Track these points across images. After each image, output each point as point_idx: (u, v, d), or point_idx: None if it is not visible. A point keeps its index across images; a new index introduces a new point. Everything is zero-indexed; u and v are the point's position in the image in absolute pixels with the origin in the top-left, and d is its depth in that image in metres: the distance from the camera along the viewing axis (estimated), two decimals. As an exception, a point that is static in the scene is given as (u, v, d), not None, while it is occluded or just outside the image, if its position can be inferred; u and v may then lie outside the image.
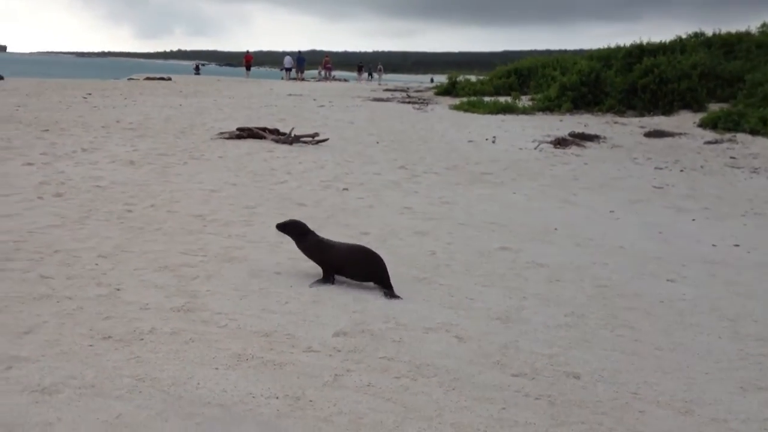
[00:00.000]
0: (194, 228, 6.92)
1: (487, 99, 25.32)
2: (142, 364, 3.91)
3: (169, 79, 44.92)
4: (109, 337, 4.25)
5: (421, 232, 7.40)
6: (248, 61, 52.73)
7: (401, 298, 5.43)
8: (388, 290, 5.51)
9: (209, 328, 4.52)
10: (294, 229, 5.83)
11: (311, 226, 6.69)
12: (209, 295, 5.11)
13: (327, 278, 5.68)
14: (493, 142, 15.19)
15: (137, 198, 7.99)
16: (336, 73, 66.37)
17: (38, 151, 10.16)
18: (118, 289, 5.09)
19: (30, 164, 9.44)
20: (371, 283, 5.64)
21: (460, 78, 34.11)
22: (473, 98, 25.89)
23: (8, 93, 25.41)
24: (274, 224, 6.02)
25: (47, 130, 12.73)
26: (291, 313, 4.89)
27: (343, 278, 5.71)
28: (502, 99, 25.16)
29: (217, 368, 3.94)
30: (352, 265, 5.65)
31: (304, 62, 53.27)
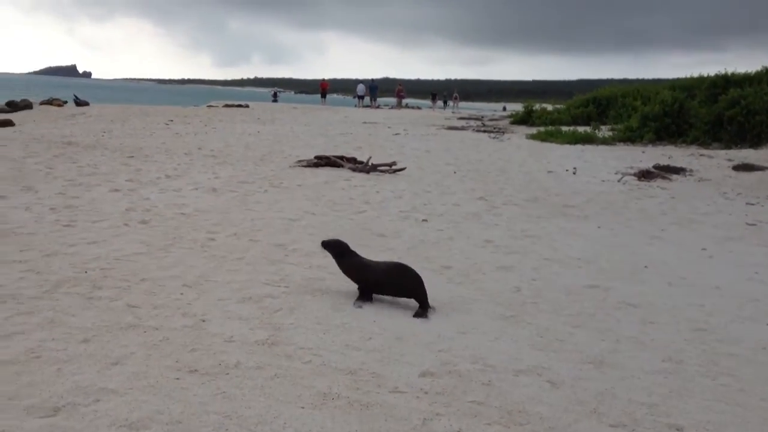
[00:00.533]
0: (276, 258, 6.90)
1: (564, 128, 24.91)
2: (229, 401, 3.84)
3: (247, 106, 46.02)
4: (195, 370, 4.20)
5: (504, 267, 7.20)
6: (324, 88, 53.56)
7: (432, 313, 5.66)
8: (423, 308, 5.67)
9: (293, 363, 4.43)
10: (335, 248, 5.99)
11: (392, 257, 6.69)
12: (292, 329, 5.04)
13: (364, 296, 5.87)
14: (574, 173, 14.84)
15: (220, 226, 8.05)
16: (408, 100, 66.73)
17: (124, 177, 10.41)
18: (203, 320, 5.07)
19: (116, 190, 9.67)
20: (453, 320, 5.49)
21: (536, 107, 33.71)
22: (551, 128, 25.53)
23: (94, 119, 26.39)
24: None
25: (132, 157, 13.07)
26: (375, 350, 4.77)
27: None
28: (580, 129, 24.71)
29: (303, 407, 3.84)
30: (390, 283, 5.82)
31: (376, 90, 53.73)
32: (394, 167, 13.16)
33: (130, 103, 49.68)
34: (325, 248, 6.03)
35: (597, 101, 31.49)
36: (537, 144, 22.31)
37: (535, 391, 4.30)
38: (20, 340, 4.47)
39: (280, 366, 4.36)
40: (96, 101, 42.04)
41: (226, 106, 45.98)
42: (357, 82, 57.45)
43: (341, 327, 5.16)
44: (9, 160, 11.51)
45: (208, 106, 46.15)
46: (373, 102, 52.31)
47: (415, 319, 5.50)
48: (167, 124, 24.85)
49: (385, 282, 5.82)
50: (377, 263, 5.97)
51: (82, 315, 4.99)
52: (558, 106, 36.39)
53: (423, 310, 5.64)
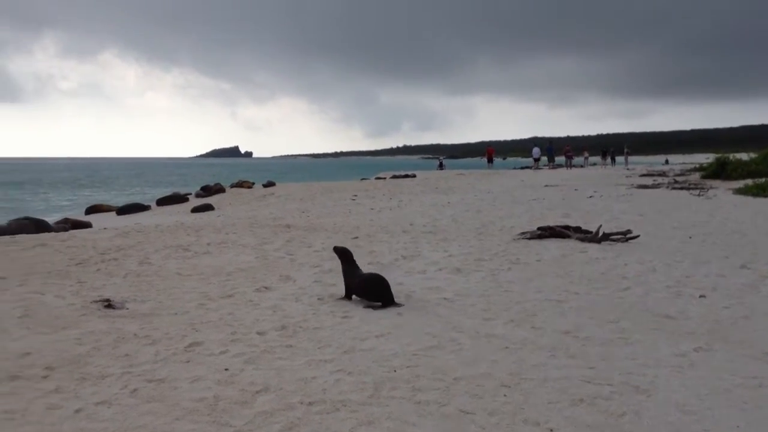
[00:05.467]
0: (575, 350, 6.28)
1: (774, 181, 22.98)
2: None
3: (414, 176, 46.63)
4: (588, 498, 3.67)
5: (838, 353, 6.22)
6: (490, 153, 54.17)
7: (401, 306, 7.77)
8: (392, 304, 7.77)
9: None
10: (342, 255, 8.18)
11: (696, 341, 6.22)
12: (655, 440, 4.41)
13: (346, 296, 8.07)
14: (824, 232, 13.32)
15: (490, 312, 7.59)
16: (559, 157, 66.22)
17: (364, 260, 10.24)
18: (551, 430, 4.55)
19: (366, 275, 9.50)
20: None
21: (730, 157, 31.54)
22: (760, 180, 23.62)
23: (285, 198, 27.35)
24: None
25: (357, 237, 13.05)
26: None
27: None
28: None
29: None
30: (365, 289, 7.87)
31: (553, 151, 53.91)
32: (628, 236, 12.31)
33: (301, 180, 52.26)
34: (335, 252, 8.30)
35: (798, 148, 29.09)
36: (750, 200, 20.57)
37: None
38: (380, 459, 4.13)
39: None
40: (265, 179, 44.55)
41: (394, 177, 46.92)
42: (506, 143, 58.18)
43: (707, 436, 4.48)
44: (249, 248, 11.75)
45: (376, 178, 47.21)
46: (551, 163, 52.61)
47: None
48: (353, 200, 25.30)
49: (363, 287, 7.85)
50: (360, 273, 8.04)
51: (423, 425, 4.61)
52: (752, 155, 34.01)
53: (383, 305, 7.72)
